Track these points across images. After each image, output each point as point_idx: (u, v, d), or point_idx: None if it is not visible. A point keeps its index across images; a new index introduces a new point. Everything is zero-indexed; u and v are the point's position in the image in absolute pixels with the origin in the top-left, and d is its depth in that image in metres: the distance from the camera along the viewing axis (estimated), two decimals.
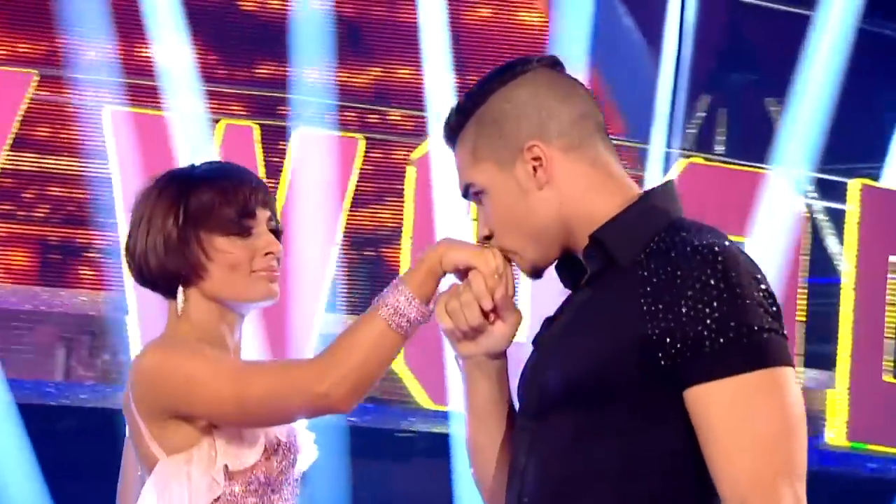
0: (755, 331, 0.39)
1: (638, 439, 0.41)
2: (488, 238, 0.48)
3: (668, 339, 0.39)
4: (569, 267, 0.48)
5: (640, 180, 2.78)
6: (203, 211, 0.67)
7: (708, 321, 0.39)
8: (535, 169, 0.45)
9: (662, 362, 0.39)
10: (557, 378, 0.43)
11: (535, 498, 0.43)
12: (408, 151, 2.83)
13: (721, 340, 0.38)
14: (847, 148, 3.28)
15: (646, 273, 0.41)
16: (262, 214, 0.68)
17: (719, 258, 0.40)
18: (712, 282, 0.38)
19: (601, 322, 0.42)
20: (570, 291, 0.48)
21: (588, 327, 0.43)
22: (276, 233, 0.69)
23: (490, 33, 3.33)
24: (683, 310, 0.39)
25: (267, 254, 0.67)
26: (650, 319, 0.39)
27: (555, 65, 0.49)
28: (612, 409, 0.41)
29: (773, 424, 0.39)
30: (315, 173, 2.67)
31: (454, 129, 0.47)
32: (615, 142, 0.52)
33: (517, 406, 0.50)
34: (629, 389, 0.41)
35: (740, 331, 0.39)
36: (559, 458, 0.43)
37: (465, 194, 0.48)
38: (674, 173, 2.87)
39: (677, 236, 0.42)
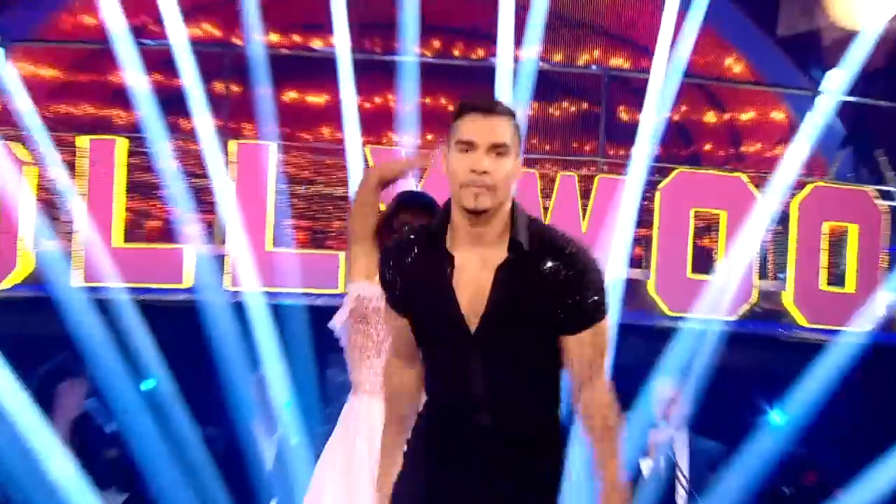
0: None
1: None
2: (485, 172, 0.77)
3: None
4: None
5: None
6: None
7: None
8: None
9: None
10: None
11: (490, 388, 0.82)
12: None
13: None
14: None
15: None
16: None
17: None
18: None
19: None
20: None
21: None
22: None
23: None
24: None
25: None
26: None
27: None
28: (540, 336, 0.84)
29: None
30: None
31: (504, 113, 0.80)
32: None
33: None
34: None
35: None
36: (508, 360, 0.82)
37: (494, 145, 0.78)
38: None
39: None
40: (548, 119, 4.66)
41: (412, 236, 0.89)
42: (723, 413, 2.75)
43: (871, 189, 3.08)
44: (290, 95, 4.30)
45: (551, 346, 0.83)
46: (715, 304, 2.77)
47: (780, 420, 2.74)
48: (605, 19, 4.63)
